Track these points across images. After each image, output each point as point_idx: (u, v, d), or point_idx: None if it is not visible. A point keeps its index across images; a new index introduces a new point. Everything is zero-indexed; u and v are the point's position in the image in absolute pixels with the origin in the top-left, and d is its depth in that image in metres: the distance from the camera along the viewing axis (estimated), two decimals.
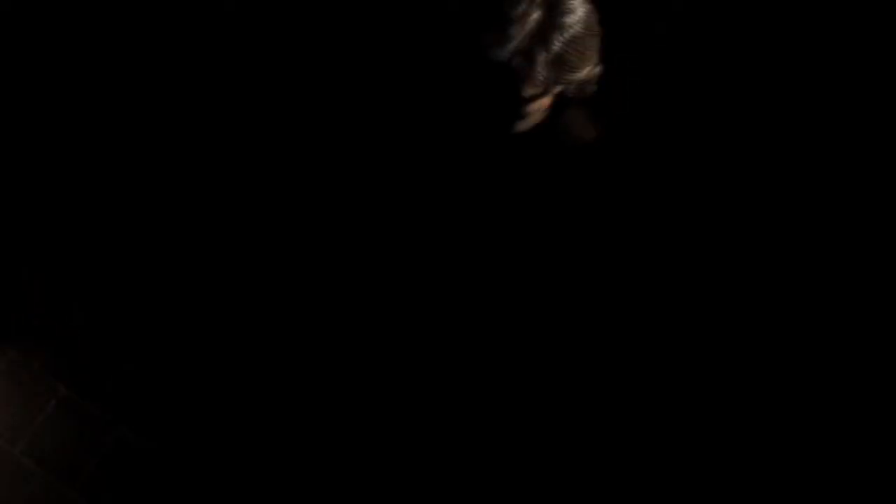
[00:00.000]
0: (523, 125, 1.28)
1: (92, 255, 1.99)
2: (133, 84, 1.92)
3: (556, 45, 1.19)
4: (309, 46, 1.33)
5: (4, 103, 1.98)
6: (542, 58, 1.19)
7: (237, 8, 1.86)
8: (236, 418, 1.81)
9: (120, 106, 1.94)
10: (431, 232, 1.50)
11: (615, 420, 1.74)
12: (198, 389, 1.86)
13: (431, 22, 1.34)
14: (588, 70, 1.25)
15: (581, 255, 1.80)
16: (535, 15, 1.18)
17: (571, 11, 1.21)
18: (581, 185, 1.79)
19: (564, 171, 1.42)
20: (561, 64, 1.21)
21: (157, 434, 1.83)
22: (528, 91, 1.21)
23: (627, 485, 1.69)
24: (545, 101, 1.25)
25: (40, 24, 1.95)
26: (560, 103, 1.27)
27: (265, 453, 1.77)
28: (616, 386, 1.75)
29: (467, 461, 1.73)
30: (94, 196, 1.99)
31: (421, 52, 1.35)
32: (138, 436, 1.83)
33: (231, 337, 1.86)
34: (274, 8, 1.84)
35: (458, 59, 1.24)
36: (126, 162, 1.96)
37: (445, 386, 1.44)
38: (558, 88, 1.24)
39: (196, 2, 1.88)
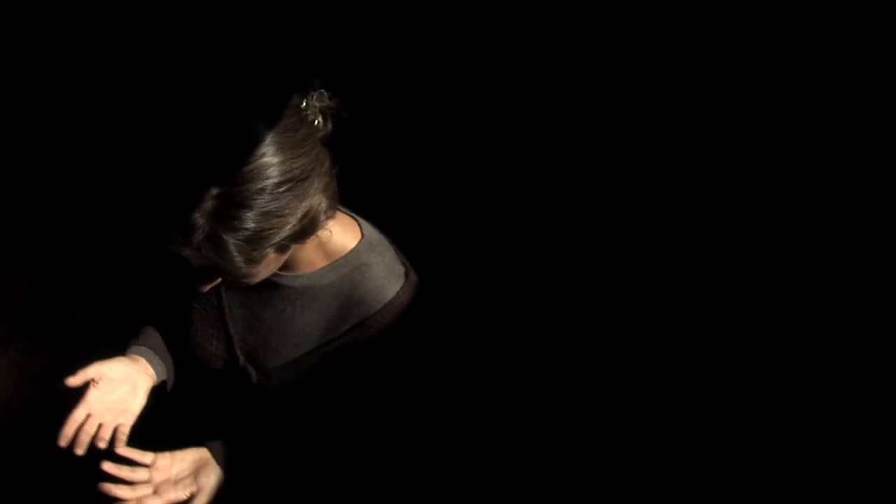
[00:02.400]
0: (253, 280, 1.13)
1: (92, 256, 2.00)
2: (133, 85, 1.93)
3: (248, 223, 1.02)
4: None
5: (4, 103, 1.98)
6: (231, 241, 1.02)
7: (237, 10, 1.86)
8: (234, 417, 1.82)
9: (120, 106, 1.94)
10: None
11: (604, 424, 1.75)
12: (197, 389, 1.87)
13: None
14: (300, 216, 1.07)
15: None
16: (214, 192, 1.00)
17: (258, 175, 1.01)
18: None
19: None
20: (259, 238, 1.04)
21: (156, 432, 1.84)
22: (237, 265, 1.06)
23: (627, 485, 1.70)
24: (274, 257, 1.11)
25: (40, 25, 1.95)
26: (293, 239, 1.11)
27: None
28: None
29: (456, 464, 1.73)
30: (95, 196, 1.99)
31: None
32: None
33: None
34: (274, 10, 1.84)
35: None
36: (126, 162, 1.96)
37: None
38: (270, 251, 1.08)
39: (196, 3, 1.88)
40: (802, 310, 1.62)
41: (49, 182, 2.02)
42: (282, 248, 1.11)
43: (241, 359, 1.31)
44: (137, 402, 1.28)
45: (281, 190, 1.03)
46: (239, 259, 1.05)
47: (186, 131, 1.06)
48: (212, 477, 1.22)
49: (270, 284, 1.24)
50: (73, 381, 1.21)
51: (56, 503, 1.69)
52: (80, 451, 1.19)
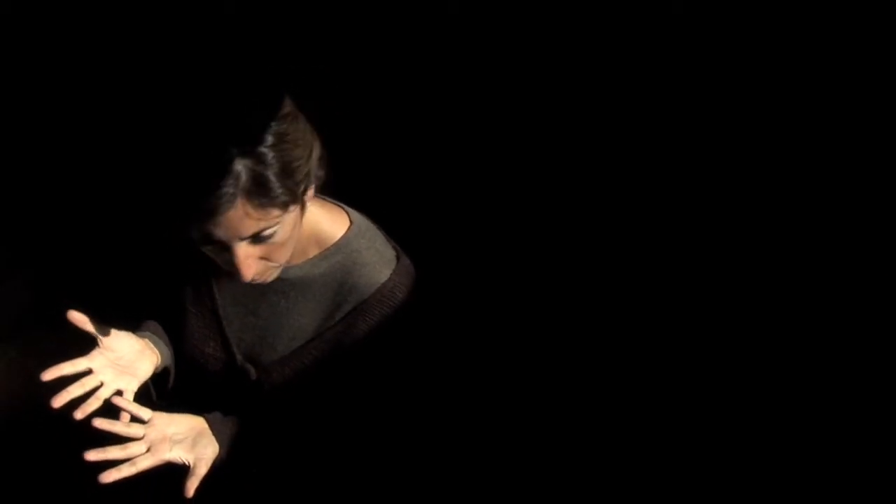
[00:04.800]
0: (283, 256, 1.16)
1: (92, 256, 1.99)
2: (133, 86, 1.93)
3: (270, 153, 1.05)
4: None
5: (5, 104, 1.98)
6: (269, 173, 1.04)
7: (237, 10, 1.86)
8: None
9: (122, 107, 1.94)
10: None
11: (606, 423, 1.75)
12: (197, 391, 1.87)
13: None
14: (310, 151, 1.12)
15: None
16: (234, 139, 1.05)
17: (266, 111, 1.07)
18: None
19: None
20: (289, 168, 1.07)
21: None
22: (283, 200, 1.07)
23: (626, 485, 1.70)
24: (296, 215, 1.12)
25: (40, 25, 1.95)
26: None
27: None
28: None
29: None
30: (95, 197, 1.99)
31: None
32: None
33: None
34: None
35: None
36: (126, 163, 1.96)
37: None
38: (303, 185, 1.11)
39: (196, 3, 1.88)
40: (802, 310, 1.63)
41: (49, 179, 2.02)
42: (302, 194, 1.11)
43: (239, 358, 1.31)
44: (143, 369, 1.22)
45: (286, 118, 1.08)
46: (281, 192, 1.06)
47: (198, 101, 1.11)
48: (209, 449, 1.20)
49: None
50: (77, 316, 1.15)
51: (56, 502, 1.69)
52: (78, 414, 1.10)
